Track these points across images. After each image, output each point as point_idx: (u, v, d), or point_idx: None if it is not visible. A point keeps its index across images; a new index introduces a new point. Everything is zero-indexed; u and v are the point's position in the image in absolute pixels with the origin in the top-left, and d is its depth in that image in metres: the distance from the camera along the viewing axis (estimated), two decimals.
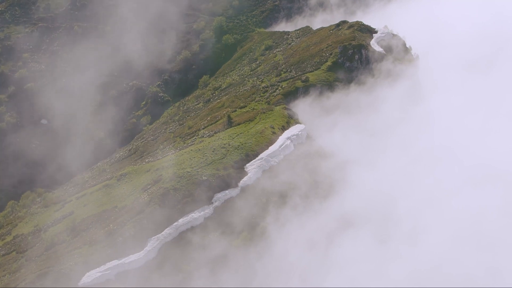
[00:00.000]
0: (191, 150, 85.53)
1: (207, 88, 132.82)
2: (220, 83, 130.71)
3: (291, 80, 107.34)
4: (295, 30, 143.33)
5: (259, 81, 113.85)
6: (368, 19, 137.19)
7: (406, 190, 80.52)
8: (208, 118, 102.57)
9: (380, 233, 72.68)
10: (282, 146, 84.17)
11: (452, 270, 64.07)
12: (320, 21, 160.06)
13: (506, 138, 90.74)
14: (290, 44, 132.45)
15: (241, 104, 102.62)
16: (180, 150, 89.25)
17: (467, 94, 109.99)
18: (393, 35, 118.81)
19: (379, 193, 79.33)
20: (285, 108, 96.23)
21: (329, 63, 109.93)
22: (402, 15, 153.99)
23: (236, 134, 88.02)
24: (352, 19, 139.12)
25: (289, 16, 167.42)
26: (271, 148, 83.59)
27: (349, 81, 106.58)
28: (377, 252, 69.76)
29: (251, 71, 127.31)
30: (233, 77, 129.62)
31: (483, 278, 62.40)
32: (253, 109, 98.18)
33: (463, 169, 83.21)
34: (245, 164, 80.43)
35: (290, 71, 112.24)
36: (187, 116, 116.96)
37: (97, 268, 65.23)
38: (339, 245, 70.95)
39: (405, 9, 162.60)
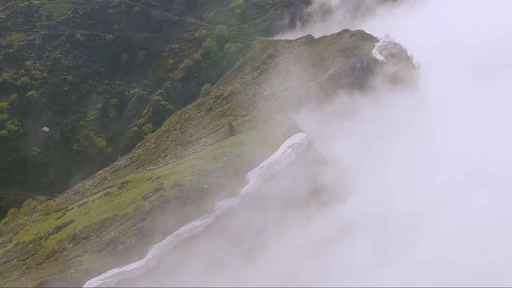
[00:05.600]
0: (193, 158, 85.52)
1: (209, 96, 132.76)
2: (222, 91, 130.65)
3: (293, 88, 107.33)
4: (297, 39, 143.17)
5: (261, 90, 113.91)
6: (371, 27, 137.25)
7: (406, 196, 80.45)
8: (210, 126, 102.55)
9: (380, 240, 72.61)
10: (283, 155, 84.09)
11: (451, 277, 63.97)
12: (322, 29, 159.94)
13: (508, 144, 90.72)
14: (292, 52, 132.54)
15: (243, 113, 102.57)
16: (181, 158, 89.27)
17: (469, 101, 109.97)
18: (395, 43, 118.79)
19: (380, 199, 79.30)
20: (287, 117, 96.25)
21: (330, 71, 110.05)
22: (407, 23, 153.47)
23: (237, 143, 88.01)
24: (355, 27, 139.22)
25: (291, 25, 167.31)
26: (273, 157, 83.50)
27: (350, 89, 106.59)
28: (376, 259, 69.68)
29: (253, 79, 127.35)
30: (235, 86, 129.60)
31: (482, 285, 62.23)
32: (255, 117, 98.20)
33: (463, 175, 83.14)
34: (246, 173, 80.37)
35: (292, 80, 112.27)
36: (189, 124, 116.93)
37: (98, 276, 65.21)
38: (339, 253, 70.85)
39: (408, 16, 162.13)
